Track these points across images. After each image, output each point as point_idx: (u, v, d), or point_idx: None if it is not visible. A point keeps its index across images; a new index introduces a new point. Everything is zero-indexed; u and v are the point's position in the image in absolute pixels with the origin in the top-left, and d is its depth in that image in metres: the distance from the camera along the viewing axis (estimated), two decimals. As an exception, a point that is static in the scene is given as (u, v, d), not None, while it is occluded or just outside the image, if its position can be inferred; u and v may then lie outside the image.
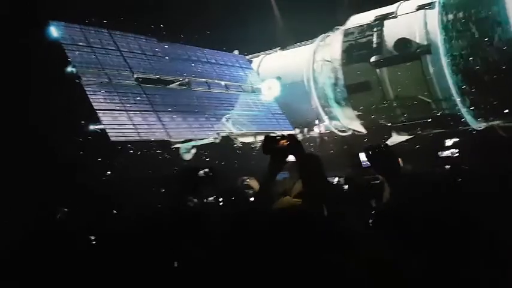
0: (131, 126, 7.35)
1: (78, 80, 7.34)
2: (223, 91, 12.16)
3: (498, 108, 10.24)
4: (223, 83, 12.39)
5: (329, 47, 13.32)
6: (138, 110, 8.01)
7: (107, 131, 6.86)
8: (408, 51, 10.67)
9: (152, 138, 7.64)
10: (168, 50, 11.05)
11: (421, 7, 10.96)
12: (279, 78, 14.40)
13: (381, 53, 11.37)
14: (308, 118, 14.31)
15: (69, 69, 7.60)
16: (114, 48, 9.29)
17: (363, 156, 2.73)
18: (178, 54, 11.35)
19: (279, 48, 16.20)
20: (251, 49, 16.05)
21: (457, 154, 11.26)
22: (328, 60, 13.18)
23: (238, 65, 14.63)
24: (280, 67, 14.90)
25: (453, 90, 10.34)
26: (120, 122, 7.25)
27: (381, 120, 12.28)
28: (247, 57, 15.65)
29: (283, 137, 2.63)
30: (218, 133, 9.73)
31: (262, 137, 13.34)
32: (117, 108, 7.51)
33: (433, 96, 10.75)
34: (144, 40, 10.58)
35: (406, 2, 11.82)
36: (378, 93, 11.66)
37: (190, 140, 9.76)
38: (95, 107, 7.03)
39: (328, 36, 13.81)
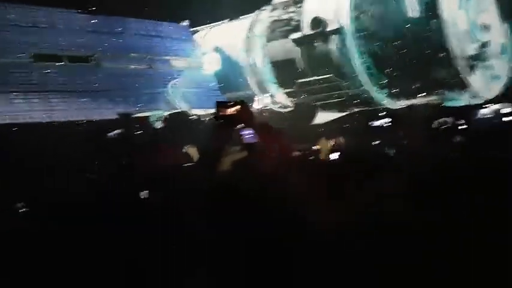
0: (7, 109, 7.35)
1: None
2: (145, 67, 11.86)
3: (408, 89, 10.24)
4: (147, 57, 12.05)
5: (261, 22, 13.16)
6: (22, 91, 7.98)
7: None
8: (321, 30, 10.56)
9: (29, 120, 7.66)
10: (86, 22, 10.66)
11: (338, -16, 10.74)
12: (218, 51, 14.29)
13: (300, 31, 11.25)
14: (246, 94, 14.30)
15: None
16: (13, 23, 9.09)
17: None
18: (98, 26, 10.94)
19: (228, 20, 15.92)
20: (203, 20, 15.85)
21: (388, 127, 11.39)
22: (258, 36, 13.06)
23: (177, 37, 14.22)
24: (220, 41, 14.73)
25: (361, 70, 10.31)
26: (-8, 104, 7.24)
27: (306, 98, 12.28)
28: (197, 28, 15.46)
29: (235, 103, 2.68)
30: (121, 114, 9.64)
31: (211, 111, 13.59)
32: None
33: (345, 76, 10.72)
34: (59, 12, 10.19)
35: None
36: (299, 71, 11.63)
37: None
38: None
39: (264, 10, 13.60)
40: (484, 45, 9.85)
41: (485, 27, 9.95)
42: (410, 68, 9.63)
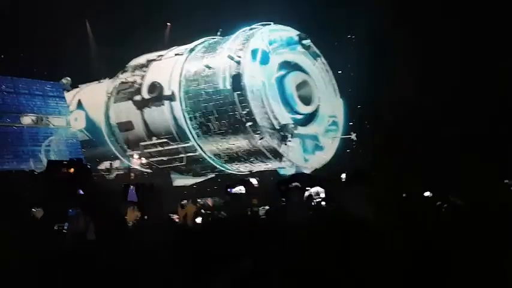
0: None
1: None
2: (16, 124, 11.49)
3: (234, 156, 10.49)
4: (18, 115, 11.67)
5: (116, 83, 13.28)
6: None
7: None
8: (157, 95, 10.79)
9: None
10: None
11: (177, 54, 11.18)
12: (85, 110, 14.20)
13: (141, 94, 11.42)
14: (110, 152, 14.10)
15: None
16: None
17: None
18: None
19: (107, 78, 15.95)
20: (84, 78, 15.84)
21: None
22: (111, 96, 13.11)
23: (47, 94, 14.01)
24: (88, 100, 14.67)
25: (191, 137, 10.50)
26: None
27: (151, 160, 12.20)
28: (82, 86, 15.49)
29: (70, 163, 2.35)
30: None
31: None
32: None
33: (181, 140, 10.86)
34: None
35: (179, 47, 12.00)
36: (141, 133, 11.66)
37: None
38: None
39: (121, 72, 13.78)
40: (302, 116, 10.42)
41: (307, 100, 10.50)
42: (230, 136, 9.92)
